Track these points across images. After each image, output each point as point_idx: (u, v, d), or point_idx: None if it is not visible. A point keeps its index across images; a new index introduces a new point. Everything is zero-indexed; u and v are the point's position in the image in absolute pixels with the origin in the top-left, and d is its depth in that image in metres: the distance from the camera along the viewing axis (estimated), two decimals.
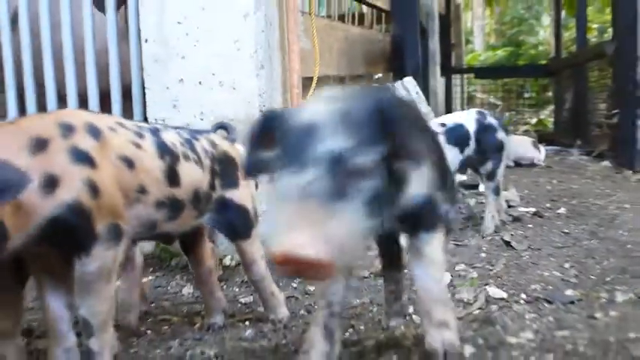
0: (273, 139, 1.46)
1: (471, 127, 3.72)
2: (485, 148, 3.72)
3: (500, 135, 3.78)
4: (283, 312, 2.42)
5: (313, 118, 1.40)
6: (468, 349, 1.89)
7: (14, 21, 3.44)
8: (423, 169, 1.62)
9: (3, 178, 1.53)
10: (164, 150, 2.03)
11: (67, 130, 1.73)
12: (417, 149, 1.48)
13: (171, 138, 2.11)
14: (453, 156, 3.63)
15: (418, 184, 1.63)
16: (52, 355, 1.91)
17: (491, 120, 3.80)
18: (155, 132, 2.08)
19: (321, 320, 1.81)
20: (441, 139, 3.58)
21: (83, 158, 1.73)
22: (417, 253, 1.77)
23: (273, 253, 1.30)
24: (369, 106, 1.44)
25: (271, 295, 2.41)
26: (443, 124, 3.74)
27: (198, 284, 2.47)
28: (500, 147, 3.78)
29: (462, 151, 3.68)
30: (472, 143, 3.70)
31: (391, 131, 1.42)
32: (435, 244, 1.77)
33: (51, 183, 1.66)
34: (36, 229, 1.65)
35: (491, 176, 3.76)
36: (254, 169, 1.59)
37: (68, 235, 1.73)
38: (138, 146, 1.95)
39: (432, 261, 1.77)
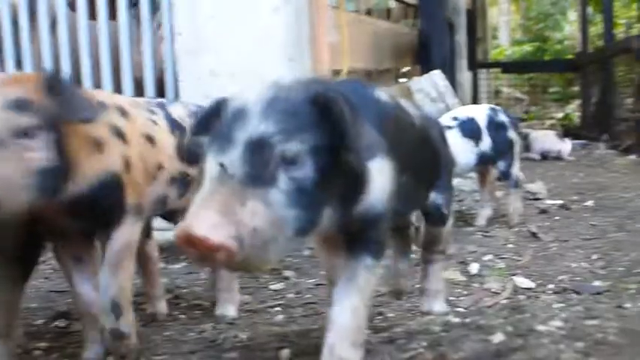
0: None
1: (482, 123, 3.70)
2: (497, 147, 3.70)
3: (511, 134, 3.74)
4: (232, 310, 2.37)
5: (243, 104, 1.36)
6: (498, 337, 1.91)
7: (53, 24, 3.54)
8: (384, 172, 1.53)
9: (89, 104, 1.65)
10: (174, 125, 2.07)
11: (103, 107, 1.79)
12: (364, 143, 1.37)
13: (178, 112, 2.14)
14: (468, 149, 3.62)
15: (378, 188, 1.52)
16: (89, 337, 1.95)
17: (502, 117, 3.76)
18: (162, 106, 2.12)
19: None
20: (455, 132, 3.60)
21: (119, 134, 1.80)
22: (349, 276, 1.59)
23: (176, 232, 1.24)
24: (300, 95, 1.37)
25: (229, 290, 2.38)
26: (455, 118, 3.74)
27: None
28: (510, 146, 3.74)
29: (476, 145, 3.66)
30: (485, 138, 3.68)
31: (329, 122, 1.34)
32: (373, 273, 1.60)
33: (98, 148, 1.73)
34: (83, 190, 1.70)
35: (506, 176, 3.75)
36: (192, 154, 1.52)
37: (104, 207, 1.77)
38: (154, 123, 2.00)
39: (361, 291, 1.58)
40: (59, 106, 1.60)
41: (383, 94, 1.69)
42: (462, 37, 9.30)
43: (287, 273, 2.91)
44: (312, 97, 1.36)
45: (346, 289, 1.58)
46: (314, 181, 1.32)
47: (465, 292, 2.56)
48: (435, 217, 2.14)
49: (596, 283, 2.56)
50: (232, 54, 3.25)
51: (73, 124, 1.65)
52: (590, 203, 4.29)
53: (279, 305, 2.49)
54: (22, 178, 1.54)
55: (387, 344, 1.96)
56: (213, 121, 1.41)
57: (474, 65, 10.78)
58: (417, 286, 2.59)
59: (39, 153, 1.57)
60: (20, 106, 1.56)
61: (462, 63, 9.36)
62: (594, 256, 2.97)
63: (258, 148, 1.29)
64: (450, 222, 2.20)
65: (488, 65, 12.31)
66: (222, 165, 1.28)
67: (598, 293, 2.43)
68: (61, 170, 1.62)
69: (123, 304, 1.85)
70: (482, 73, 11.75)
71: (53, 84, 1.62)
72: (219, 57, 3.27)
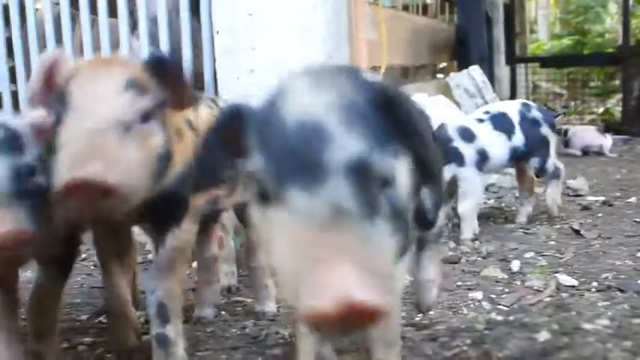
0: (239, 141, 1.12)
1: (515, 118, 3.62)
2: (530, 143, 3.61)
3: (545, 130, 3.65)
4: (271, 306, 2.37)
5: (311, 113, 1.04)
6: (543, 335, 1.89)
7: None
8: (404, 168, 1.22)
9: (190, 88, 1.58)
10: None
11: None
12: (435, 155, 1.19)
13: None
14: (500, 143, 3.56)
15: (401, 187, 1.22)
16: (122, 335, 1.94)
17: (535, 113, 3.68)
18: (215, 102, 2.08)
19: (311, 349, 1.52)
20: (487, 125, 3.56)
21: (191, 125, 1.72)
22: None
23: (314, 306, 0.90)
24: (361, 96, 1.10)
25: (265, 287, 2.37)
26: (487, 112, 3.69)
27: (199, 271, 2.43)
28: (545, 142, 3.65)
29: (509, 139, 3.58)
30: (518, 133, 3.59)
31: (402, 128, 1.11)
32: (401, 273, 1.48)
33: (180, 137, 1.64)
34: (170, 182, 1.61)
35: (541, 171, 3.67)
36: (212, 179, 1.27)
37: (176, 202, 1.69)
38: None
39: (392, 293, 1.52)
40: (165, 89, 1.54)
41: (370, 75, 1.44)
42: (499, 32, 9.23)
43: None
44: (375, 97, 1.11)
45: None
46: (403, 199, 1.11)
47: (507, 290, 2.53)
48: (420, 220, 2.07)
49: None
50: (271, 52, 3.26)
51: (176, 109, 1.58)
52: (633, 200, 4.21)
53: None
54: (148, 166, 1.48)
55: (429, 342, 1.95)
56: (233, 138, 1.15)
57: (512, 60, 10.68)
58: (459, 283, 2.59)
59: (157, 138, 1.51)
60: (137, 87, 1.50)
61: (500, 58, 9.28)
62: (639, 254, 2.91)
63: (360, 173, 1.01)
64: (438, 224, 2.08)
65: (527, 60, 12.17)
66: (324, 201, 0.98)
67: None
68: (169, 157, 1.56)
69: (171, 307, 1.74)
70: (521, 68, 11.63)
71: (159, 65, 1.55)
72: (258, 55, 3.28)
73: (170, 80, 1.54)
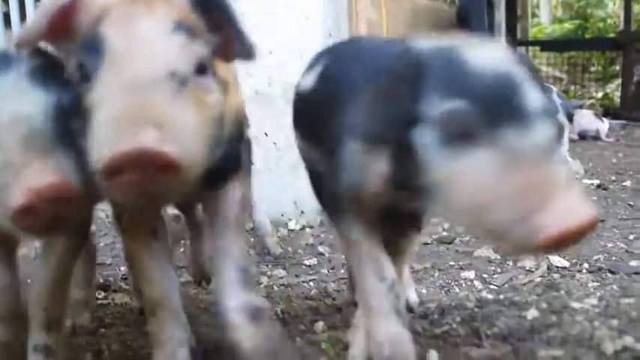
0: (413, 86, 1.19)
1: None
2: None
3: (561, 117, 3.64)
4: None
5: (502, 66, 1.18)
6: (532, 313, 1.92)
7: None
8: None
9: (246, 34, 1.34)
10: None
11: None
12: None
13: None
14: None
15: None
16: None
17: (554, 98, 3.67)
18: None
19: (391, 306, 1.46)
20: None
21: (234, 76, 1.54)
22: (403, 252, 1.51)
23: (573, 222, 1.05)
24: (521, 57, 1.25)
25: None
26: None
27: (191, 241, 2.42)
28: (560, 130, 3.63)
29: None
30: None
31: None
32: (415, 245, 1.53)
33: (225, 89, 1.33)
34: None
35: None
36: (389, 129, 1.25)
37: (222, 173, 1.45)
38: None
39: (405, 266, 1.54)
40: (216, 34, 1.26)
41: None
42: (501, 15, 9.19)
43: (321, 249, 2.94)
44: (515, 56, 1.25)
45: (399, 266, 1.52)
46: None
47: (499, 270, 2.55)
48: None
49: (633, 263, 2.53)
50: (271, 30, 3.26)
51: (228, 59, 1.32)
52: (628, 183, 4.23)
53: (313, 280, 2.52)
54: (208, 131, 1.16)
55: (420, 319, 1.98)
56: (410, 81, 1.20)
57: (513, 43, 10.66)
58: (452, 263, 2.62)
59: (215, 94, 1.23)
60: (189, 29, 1.19)
61: (501, 41, 9.25)
62: (631, 237, 2.93)
63: (550, 119, 1.17)
64: None
65: (528, 43, 12.15)
66: (535, 143, 1.13)
67: (635, 273, 2.40)
68: (223, 119, 1.28)
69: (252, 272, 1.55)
70: (521, 51, 11.62)
71: (209, 5, 1.27)
72: (258, 33, 3.25)
73: (222, 24, 1.26)
